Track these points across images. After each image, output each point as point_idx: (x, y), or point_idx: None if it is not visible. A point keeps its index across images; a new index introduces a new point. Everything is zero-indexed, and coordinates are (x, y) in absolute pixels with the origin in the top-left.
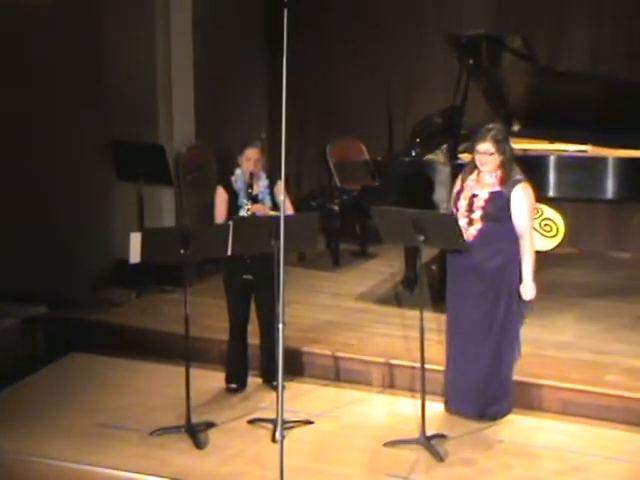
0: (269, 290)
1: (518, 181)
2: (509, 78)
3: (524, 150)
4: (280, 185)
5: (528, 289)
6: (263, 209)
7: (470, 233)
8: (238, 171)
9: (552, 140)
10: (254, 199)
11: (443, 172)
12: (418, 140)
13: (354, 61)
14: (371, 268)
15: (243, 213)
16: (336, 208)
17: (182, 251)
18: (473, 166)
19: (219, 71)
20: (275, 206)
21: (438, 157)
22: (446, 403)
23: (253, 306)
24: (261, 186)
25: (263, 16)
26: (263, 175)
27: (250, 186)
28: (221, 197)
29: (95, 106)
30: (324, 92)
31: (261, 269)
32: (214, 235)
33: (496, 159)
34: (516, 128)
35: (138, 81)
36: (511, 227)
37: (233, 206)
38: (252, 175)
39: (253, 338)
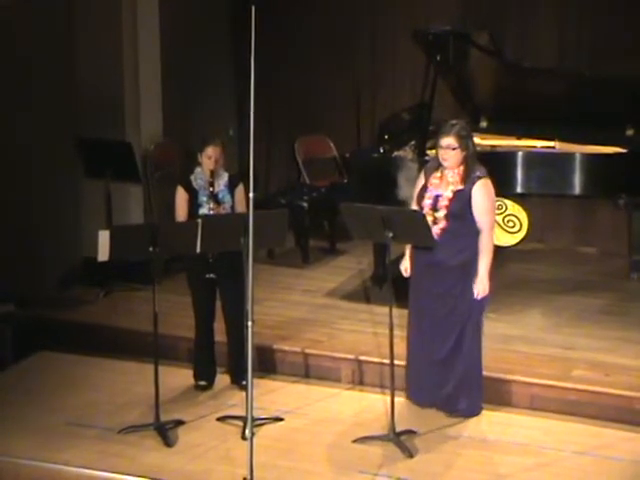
0: (235, 287)
1: (478, 177)
2: (476, 74)
3: (492, 146)
4: (241, 188)
5: (481, 286)
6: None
7: (434, 232)
8: (198, 169)
9: (520, 136)
10: (215, 197)
11: (412, 168)
12: (386, 136)
13: (322, 58)
14: (340, 264)
15: (204, 211)
16: (305, 205)
17: (151, 248)
18: (437, 163)
19: (187, 69)
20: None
21: (406, 153)
22: (408, 397)
23: (219, 303)
24: (221, 184)
25: (230, 14)
26: (223, 173)
27: (211, 184)
28: (181, 197)
29: (63, 104)
30: (292, 89)
31: (227, 267)
32: (183, 232)
33: (458, 154)
34: (484, 124)
35: (106, 79)
36: (474, 224)
37: (194, 205)
38: (212, 173)
39: (221, 335)
